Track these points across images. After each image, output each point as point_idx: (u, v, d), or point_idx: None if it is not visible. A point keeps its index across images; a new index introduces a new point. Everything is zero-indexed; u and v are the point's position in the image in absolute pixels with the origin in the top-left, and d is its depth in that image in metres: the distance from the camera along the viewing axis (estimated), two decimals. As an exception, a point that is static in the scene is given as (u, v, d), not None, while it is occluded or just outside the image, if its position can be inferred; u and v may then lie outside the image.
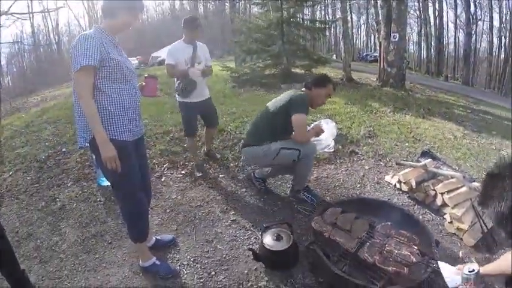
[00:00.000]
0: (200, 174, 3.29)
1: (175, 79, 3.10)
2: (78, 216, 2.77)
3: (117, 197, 1.93)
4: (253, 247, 2.19)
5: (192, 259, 2.17)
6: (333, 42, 34.84)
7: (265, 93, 7.32)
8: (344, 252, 1.92)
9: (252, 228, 2.48)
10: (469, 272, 1.35)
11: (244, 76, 8.35)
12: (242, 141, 2.98)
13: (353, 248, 1.89)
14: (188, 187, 3.16)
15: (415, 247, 1.92)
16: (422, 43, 27.08)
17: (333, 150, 3.91)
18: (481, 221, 2.52)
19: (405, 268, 1.79)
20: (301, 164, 2.55)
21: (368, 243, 1.94)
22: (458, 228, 2.49)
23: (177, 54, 3.03)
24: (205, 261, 2.14)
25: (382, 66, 9.30)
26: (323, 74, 2.90)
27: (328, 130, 4.09)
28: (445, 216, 2.65)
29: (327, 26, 10.88)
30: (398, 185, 3.15)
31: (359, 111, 5.79)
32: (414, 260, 1.82)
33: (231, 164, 3.61)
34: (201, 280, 1.98)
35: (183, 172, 3.45)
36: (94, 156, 2.12)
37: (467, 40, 21.77)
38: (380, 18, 12.53)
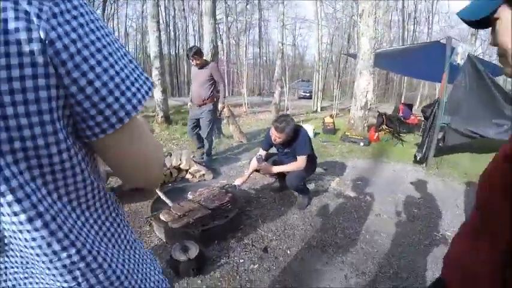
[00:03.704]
0: None
1: None
2: None
3: None
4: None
5: None
6: None
7: None
8: (202, 218, 2.58)
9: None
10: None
11: None
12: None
13: (209, 209, 2.65)
14: None
15: (211, 186, 3.06)
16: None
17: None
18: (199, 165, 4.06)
19: (227, 195, 2.89)
20: None
21: (203, 203, 2.76)
22: (200, 175, 3.85)
23: None
24: None
25: None
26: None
27: None
28: (187, 176, 3.88)
29: None
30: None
31: None
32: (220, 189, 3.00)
33: None
34: None
35: None
36: None
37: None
38: None
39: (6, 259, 0.49)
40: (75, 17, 0.41)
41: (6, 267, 0.50)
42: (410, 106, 9.92)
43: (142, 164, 0.53)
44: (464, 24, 0.76)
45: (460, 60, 4.68)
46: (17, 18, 0.36)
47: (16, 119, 0.38)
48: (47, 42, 0.38)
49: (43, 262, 0.45)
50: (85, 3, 0.43)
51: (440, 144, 5.12)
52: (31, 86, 0.38)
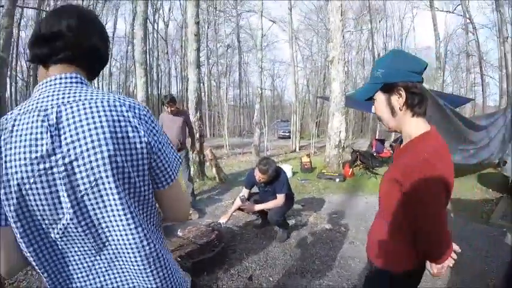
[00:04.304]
0: None
1: None
2: None
3: None
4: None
5: None
6: None
7: None
8: (192, 252, 2.88)
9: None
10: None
11: None
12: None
13: (198, 245, 2.94)
14: None
15: (199, 224, 3.37)
16: None
17: None
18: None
19: (214, 232, 3.21)
20: None
21: (192, 239, 3.06)
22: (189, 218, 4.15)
23: None
24: None
25: None
26: None
27: None
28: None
29: None
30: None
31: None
32: (207, 227, 3.31)
33: None
34: None
35: None
36: None
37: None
38: None
39: (98, 257, 0.83)
40: (153, 127, 0.82)
41: (93, 264, 0.84)
42: (382, 141, 10.72)
43: (182, 205, 0.95)
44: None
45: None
46: (132, 131, 0.76)
47: (135, 178, 0.78)
48: (148, 143, 0.79)
49: (133, 252, 0.80)
50: (151, 116, 0.84)
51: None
52: (141, 163, 0.78)
